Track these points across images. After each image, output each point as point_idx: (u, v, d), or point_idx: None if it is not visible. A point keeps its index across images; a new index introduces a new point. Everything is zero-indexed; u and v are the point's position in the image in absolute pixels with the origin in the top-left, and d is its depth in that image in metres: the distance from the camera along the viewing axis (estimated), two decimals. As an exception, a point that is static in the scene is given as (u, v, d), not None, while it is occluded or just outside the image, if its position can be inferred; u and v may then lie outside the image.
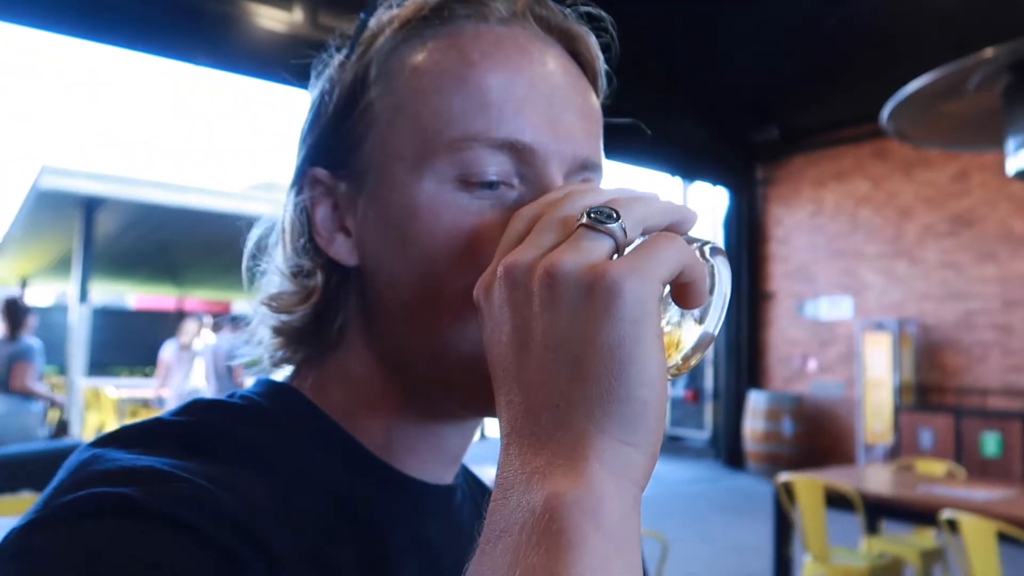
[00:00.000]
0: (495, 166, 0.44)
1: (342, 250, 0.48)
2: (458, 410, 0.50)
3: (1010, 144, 2.22)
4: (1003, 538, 3.06)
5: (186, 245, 12.11)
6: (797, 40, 7.64)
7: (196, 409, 0.45)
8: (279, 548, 0.37)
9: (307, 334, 0.49)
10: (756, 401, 9.18)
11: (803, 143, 9.71)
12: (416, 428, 0.49)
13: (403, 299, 0.46)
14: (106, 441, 0.41)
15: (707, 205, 11.04)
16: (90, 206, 9.39)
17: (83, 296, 9.42)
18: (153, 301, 19.14)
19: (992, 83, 2.26)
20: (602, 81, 0.52)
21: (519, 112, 0.44)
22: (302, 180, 0.49)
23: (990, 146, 2.48)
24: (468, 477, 0.59)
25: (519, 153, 0.44)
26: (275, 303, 0.49)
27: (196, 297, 18.66)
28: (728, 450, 9.89)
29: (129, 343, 14.47)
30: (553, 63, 0.48)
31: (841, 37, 7.46)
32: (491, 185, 0.44)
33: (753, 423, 9.13)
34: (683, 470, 9.61)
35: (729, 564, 5.41)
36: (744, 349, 10.04)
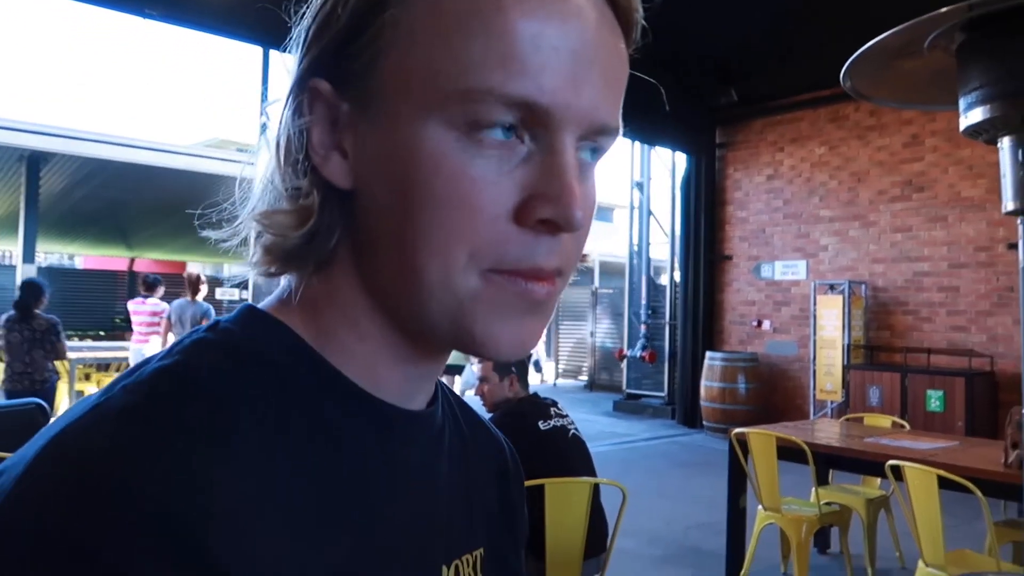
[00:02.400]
0: (507, 122, 0.42)
1: (336, 172, 0.46)
2: (441, 347, 0.50)
3: (962, 103, 2.26)
4: (945, 484, 3.20)
5: (137, 204, 11.78)
6: (756, 4, 7.65)
7: (183, 350, 0.43)
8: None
9: (299, 257, 0.47)
10: (712, 361, 9.38)
11: (761, 107, 9.79)
12: (398, 357, 0.49)
13: (391, 236, 0.44)
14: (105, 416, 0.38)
15: (667, 168, 11.13)
16: (34, 161, 9.06)
17: (29, 256, 9.13)
18: (102, 262, 18.63)
19: (946, 42, 2.29)
20: (636, 34, 0.48)
21: (542, 69, 0.41)
22: (302, 91, 0.46)
23: (944, 105, 2.51)
24: (443, 393, 0.59)
25: (533, 112, 0.42)
26: (269, 221, 0.46)
27: (148, 258, 18.24)
28: (685, 409, 10.11)
29: (79, 305, 14.11)
30: (589, 12, 0.43)
31: (800, 2, 7.49)
32: (500, 140, 0.42)
33: (709, 382, 9.33)
34: (641, 428, 9.81)
35: (686, 516, 5.57)
36: (701, 311, 10.21)
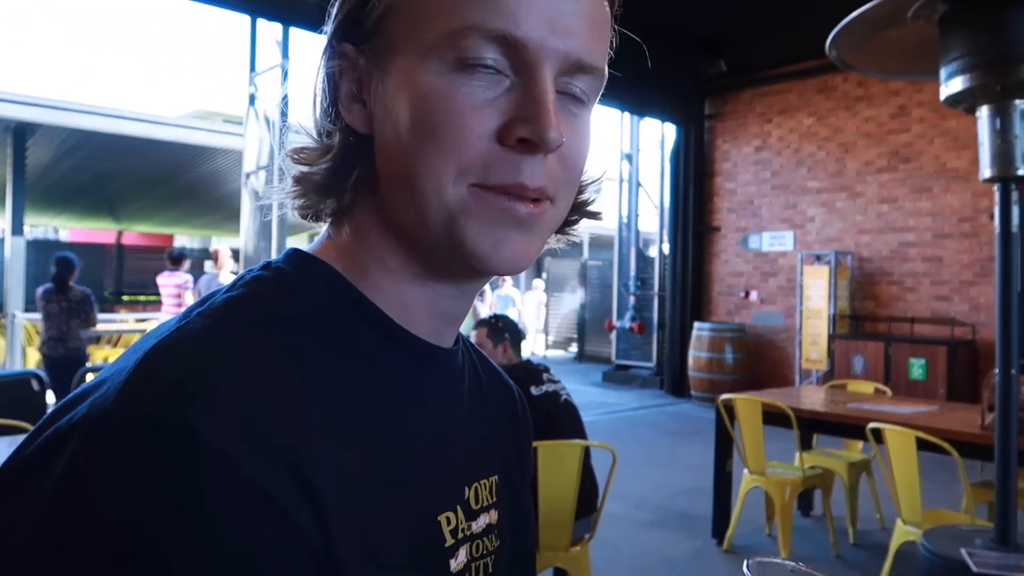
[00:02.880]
0: (490, 56, 0.47)
1: (358, 119, 0.53)
2: (451, 271, 0.55)
3: (943, 72, 2.32)
4: (923, 446, 3.30)
5: (124, 175, 11.67)
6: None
7: (245, 284, 0.51)
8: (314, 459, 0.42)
9: (324, 187, 0.54)
10: (700, 331, 9.49)
11: (750, 78, 9.79)
12: (422, 289, 0.55)
13: (398, 167, 0.51)
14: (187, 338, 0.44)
15: (656, 140, 11.14)
16: (20, 132, 8.97)
17: (17, 228, 9.08)
18: (89, 235, 18.48)
19: (929, 12, 2.34)
20: None
21: (517, 5, 0.47)
22: (331, 52, 0.53)
23: (927, 75, 2.57)
24: (463, 340, 0.65)
25: (511, 46, 0.47)
26: (298, 155, 0.54)
27: (136, 231, 18.11)
28: (673, 379, 10.24)
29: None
30: None
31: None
32: (485, 73, 0.48)
33: (697, 353, 9.45)
34: (630, 398, 9.95)
35: (674, 482, 5.69)
36: (690, 282, 10.29)
